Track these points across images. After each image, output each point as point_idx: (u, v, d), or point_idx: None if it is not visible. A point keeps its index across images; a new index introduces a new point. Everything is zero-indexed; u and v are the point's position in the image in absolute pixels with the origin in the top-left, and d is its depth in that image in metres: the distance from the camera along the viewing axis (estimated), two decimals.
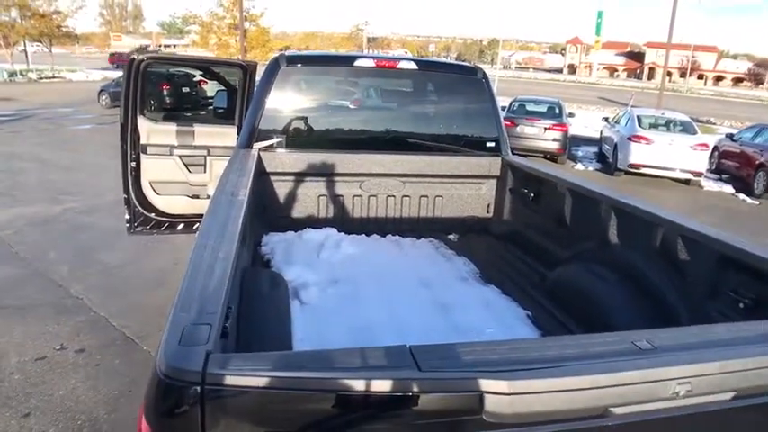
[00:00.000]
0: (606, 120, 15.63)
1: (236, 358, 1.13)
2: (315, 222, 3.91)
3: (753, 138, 13.27)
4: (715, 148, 14.17)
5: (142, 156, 4.71)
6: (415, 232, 4.05)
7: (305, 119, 3.94)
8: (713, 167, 14.04)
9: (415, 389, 1.10)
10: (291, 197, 3.92)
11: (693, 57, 77.20)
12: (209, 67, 5.97)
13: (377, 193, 4.04)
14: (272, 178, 3.84)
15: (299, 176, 3.88)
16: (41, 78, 34.20)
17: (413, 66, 3.98)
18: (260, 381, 1.05)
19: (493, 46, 74.25)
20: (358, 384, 1.09)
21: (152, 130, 4.71)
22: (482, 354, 1.22)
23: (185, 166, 4.79)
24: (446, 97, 4.30)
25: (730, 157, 13.57)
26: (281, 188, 3.89)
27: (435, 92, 4.33)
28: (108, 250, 6.20)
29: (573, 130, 14.77)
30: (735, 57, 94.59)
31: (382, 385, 1.10)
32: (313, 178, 3.90)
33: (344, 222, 3.95)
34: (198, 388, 1.03)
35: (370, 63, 3.92)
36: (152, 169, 4.73)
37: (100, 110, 19.70)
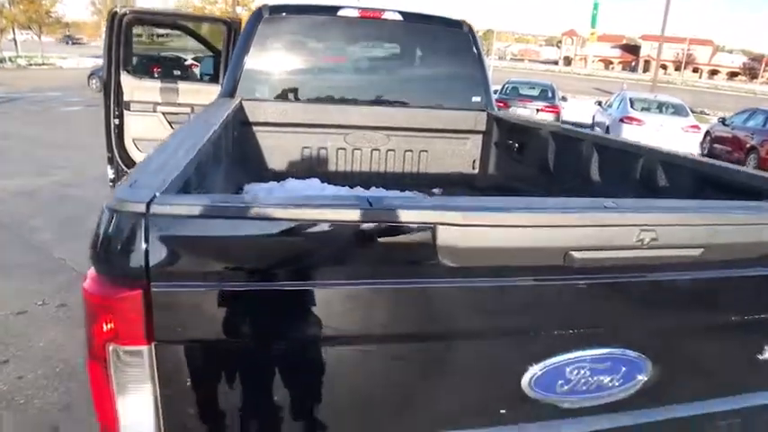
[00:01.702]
0: (599, 103, 15.63)
1: (186, 197, 1.10)
2: (298, 174, 3.87)
3: (744, 122, 13.30)
4: (707, 132, 14.21)
5: (125, 113, 4.65)
6: (400, 186, 4.02)
7: (289, 69, 3.89)
8: (705, 152, 14.08)
9: (367, 220, 1.07)
10: (274, 148, 3.88)
11: (689, 50, 77.37)
12: (193, 31, 5.91)
13: (361, 146, 4.00)
14: (255, 128, 3.79)
15: (283, 127, 3.83)
16: (31, 65, 33.83)
17: (398, 17, 3.93)
18: (207, 210, 1.02)
19: (488, 37, 74.14)
20: (301, 213, 1.06)
21: (136, 87, 4.65)
22: (440, 200, 1.19)
23: (169, 123, 4.74)
24: (432, 50, 4.26)
25: (722, 141, 13.61)
26: (264, 139, 3.84)
27: (421, 45, 4.28)
28: (92, 219, 6.13)
29: (566, 116, 14.76)
30: (730, 51, 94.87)
31: (332, 214, 1.07)
32: (297, 129, 3.86)
33: (328, 175, 3.92)
34: (143, 219, 1.00)
35: (356, 13, 3.87)
36: (135, 126, 4.68)
37: (90, 93, 19.50)
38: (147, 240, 1.00)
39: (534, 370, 1.28)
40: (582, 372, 1.31)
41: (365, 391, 1.24)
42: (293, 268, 1.09)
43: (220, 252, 1.06)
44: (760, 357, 1.50)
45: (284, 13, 3.87)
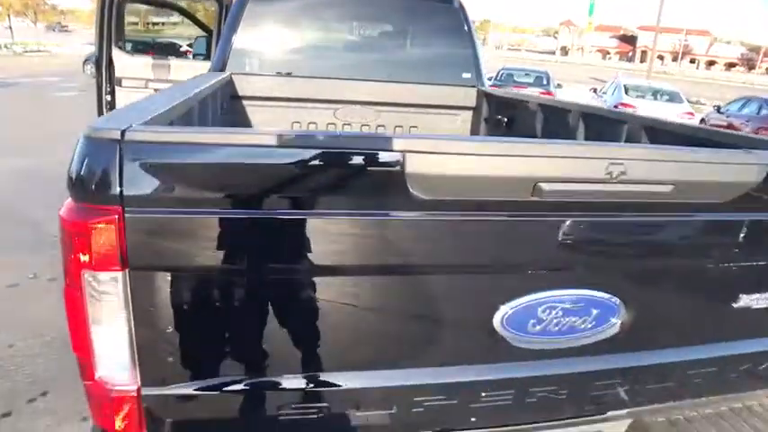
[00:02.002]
0: (594, 90, 15.63)
1: (161, 126, 1.11)
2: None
3: (739, 109, 13.33)
4: (702, 120, 14.22)
5: (117, 88, 4.64)
6: None
7: (279, 44, 3.88)
8: None
9: (338, 147, 1.09)
10: (263, 123, 3.88)
11: (686, 41, 77.15)
12: (184, 9, 5.89)
13: (351, 121, 4.00)
14: (244, 102, 3.79)
15: (272, 101, 3.83)
16: (26, 51, 33.56)
17: None
18: (181, 137, 1.04)
19: (485, 27, 73.77)
20: (272, 141, 1.07)
21: (127, 63, 4.63)
22: (409, 137, 1.21)
23: None
24: (423, 27, 4.25)
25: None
26: (254, 113, 3.84)
27: (412, 21, 4.27)
28: None
29: None
30: (728, 42, 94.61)
31: (303, 142, 1.09)
32: (286, 104, 3.86)
33: None
34: (117, 146, 1.01)
35: None
36: (127, 102, 4.66)
37: (85, 79, 19.33)
38: (121, 167, 1.02)
39: (505, 308, 1.30)
40: (554, 312, 1.33)
41: (335, 325, 1.26)
42: (264, 197, 1.11)
43: (195, 180, 1.08)
44: (734, 305, 1.53)
45: None
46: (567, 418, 1.57)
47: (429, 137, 1.12)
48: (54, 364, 3.12)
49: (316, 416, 1.29)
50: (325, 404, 1.29)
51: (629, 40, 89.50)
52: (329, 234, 1.17)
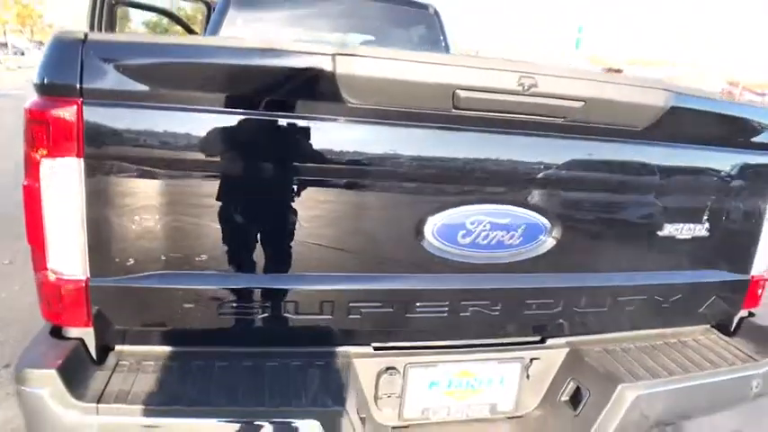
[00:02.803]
0: None
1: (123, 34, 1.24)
2: None
3: None
4: None
5: None
6: None
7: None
8: None
9: (271, 47, 1.21)
10: None
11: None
12: (172, 13, 6.02)
13: None
14: None
15: None
16: (20, 67, 33.77)
17: None
18: (139, 39, 1.16)
19: None
20: (217, 42, 1.19)
21: None
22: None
23: None
24: (397, 31, 4.36)
25: None
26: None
27: (387, 25, 4.37)
28: None
29: None
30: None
31: (245, 44, 1.21)
32: None
33: None
34: (81, 44, 1.14)
35: None
36: None
37: None
38: (82, 64, 1.14)
39: (435, 219, 1.39)
40: (481, 225, 1.41)
41: (270, 225, 1.34)
42: (204, 95, 1.22)
43: (146, 77, 1.18)
44: (659, 235, 1.62)
45: None
46: (507, 345, 1.65)
47: (359, 54, 1.22)
48: (22, 335, 3.15)
49: (251, 315, 1.36)
50: (261, 304, 1.36)
51: (617, 73, 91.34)
52: (266, 132, 1.27)
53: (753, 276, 1.82)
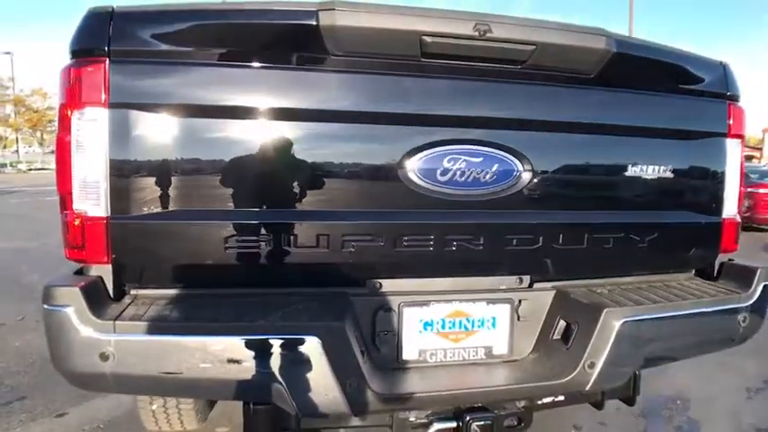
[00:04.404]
0: None
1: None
2: None
3: None
4: None
5: None
6: None
7: None
8: None
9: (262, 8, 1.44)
10: None
11: None
12: None
13: None
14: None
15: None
16: (30, 170, 35.18)
17: None
18: (158, 8, 1.42)
19: None
20: (212, 6, 1.43)
21: None
22: None
23: None
24: None
25: None
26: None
27: None
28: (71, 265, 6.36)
29: None
30: None
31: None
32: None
33: None
34: (110, 15, 1.38)
35: None
36: None
37: None
38: (110, 30, 1.37)
39: (415, 158, 1.52)
40: (458, 164, 1.54)
41: (272, 167, 1.49)
42: (212, 50, 1.44)
43: (162, 38, 1.41)
44: (626, 174, 1.73)
45: None
46: (496, 290, 1.73)
47: None
48: (36, 380, 3.23)
49: (256, 249, 1.48)
50: (264, 237, 1.48)
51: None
52: (264, 82, 1.46)
53: (725, 219, 1.91)
